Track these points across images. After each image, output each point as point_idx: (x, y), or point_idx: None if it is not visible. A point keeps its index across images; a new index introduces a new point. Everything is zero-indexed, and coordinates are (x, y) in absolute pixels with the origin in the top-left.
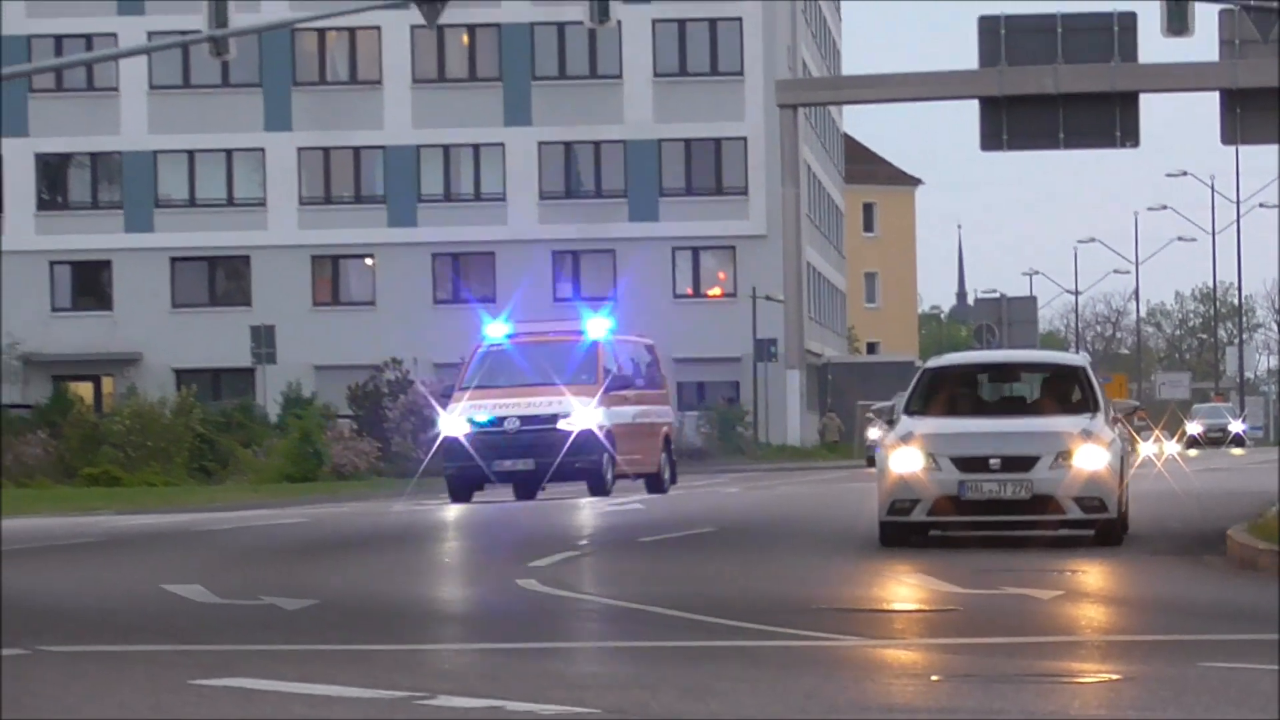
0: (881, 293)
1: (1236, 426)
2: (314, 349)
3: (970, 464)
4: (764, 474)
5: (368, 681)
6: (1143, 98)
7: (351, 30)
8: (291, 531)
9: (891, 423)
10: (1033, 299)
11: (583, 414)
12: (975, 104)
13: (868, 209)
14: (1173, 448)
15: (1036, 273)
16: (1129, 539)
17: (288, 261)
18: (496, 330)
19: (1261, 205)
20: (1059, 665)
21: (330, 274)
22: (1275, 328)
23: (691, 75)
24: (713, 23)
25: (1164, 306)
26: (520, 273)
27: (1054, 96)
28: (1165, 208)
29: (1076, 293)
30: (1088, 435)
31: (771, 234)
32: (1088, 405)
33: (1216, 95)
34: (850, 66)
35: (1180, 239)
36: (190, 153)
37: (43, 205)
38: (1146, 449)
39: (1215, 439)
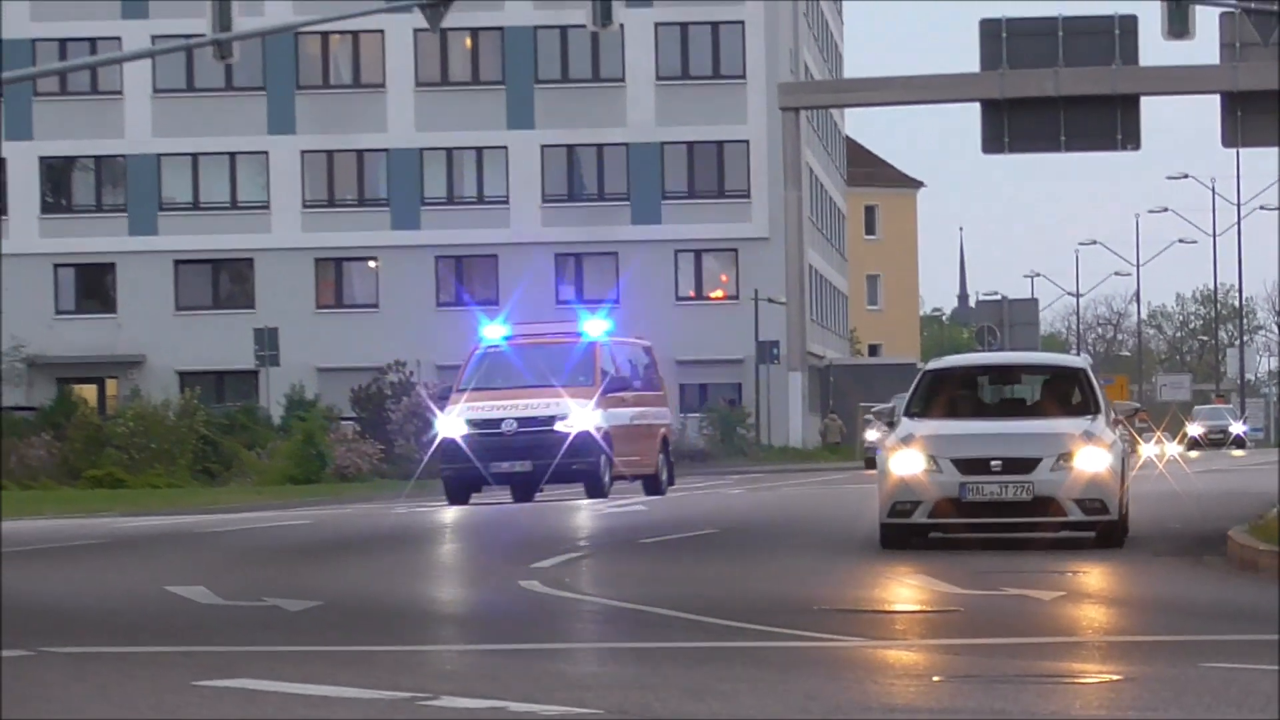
0: (883, 295)
1: (1237, 428)
2: (317, 351)
3: (971, 466)
4: (766, 476)
5: (370, 682)
6: (1144, 100)
7: (355, 34)
8: (294, 533)
9: (891, 425)
10: (1034, 301)
11: (580, 416)
12: (977, 107)
13: (869, 211)
14: (1174, 449)
15: (1038, 275)
16: (1130, 540)
17: (291, 264)
18: (494, 332)
19: (1262, 208)
20: (1060, 666)
21: (333, 276)
22: (1276, 330)
23: (694, 78)
24: (715, 26)
25: (1165, 308)
26: (522, 275)
27: (1055, 99)
28: (1166, 210)
29: (1078, 295)
30: (1089, 437)
31: (773, 236)
32: (1089, 407)
33: (1217, 98)
34: (852, 69)
35: (1181, 241)
36: (194, 156)
37: (47, 208)
38: (1148, 450)
39: (1216, 440)
